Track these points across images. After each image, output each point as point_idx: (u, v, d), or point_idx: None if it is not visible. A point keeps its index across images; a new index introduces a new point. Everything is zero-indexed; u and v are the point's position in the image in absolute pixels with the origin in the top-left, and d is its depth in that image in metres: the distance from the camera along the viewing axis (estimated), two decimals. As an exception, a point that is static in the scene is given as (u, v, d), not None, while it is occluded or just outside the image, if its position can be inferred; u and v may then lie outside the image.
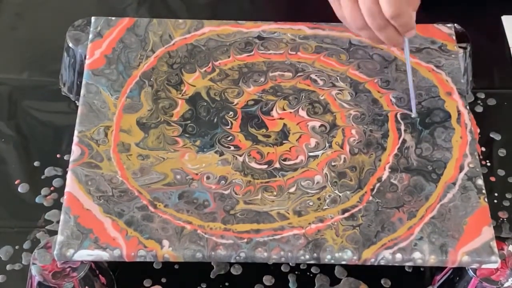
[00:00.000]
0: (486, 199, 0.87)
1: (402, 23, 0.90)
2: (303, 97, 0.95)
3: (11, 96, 1.04)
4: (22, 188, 0.96)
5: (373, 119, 0.93)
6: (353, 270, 0.89)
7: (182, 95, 0.95)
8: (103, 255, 0.82)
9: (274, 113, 0.94)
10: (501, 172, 0.98)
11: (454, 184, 0.88)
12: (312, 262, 0.83)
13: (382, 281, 0.90)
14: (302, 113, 0.94)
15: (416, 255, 0.83)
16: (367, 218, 0.85)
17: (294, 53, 0.99)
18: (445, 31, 1.01)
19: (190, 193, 0.87)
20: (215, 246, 0.83)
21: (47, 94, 1.04)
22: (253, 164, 0.89)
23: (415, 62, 0.98)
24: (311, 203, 0.86)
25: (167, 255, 0.82)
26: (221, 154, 0.90)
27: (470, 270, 0.84)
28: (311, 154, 0.90)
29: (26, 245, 0.91)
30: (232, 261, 0.83)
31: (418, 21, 1.02)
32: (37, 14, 1.14)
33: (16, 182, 0.96)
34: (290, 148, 0.91)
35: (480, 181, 0.88)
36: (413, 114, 0.92)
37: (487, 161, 0.99)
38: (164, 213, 0.85)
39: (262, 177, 0.88)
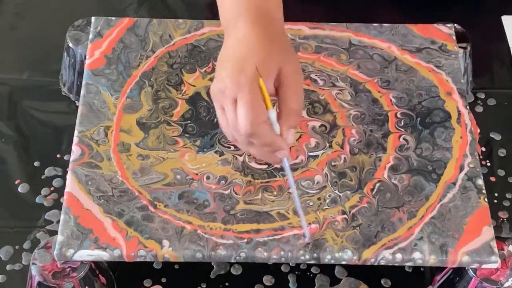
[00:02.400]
0: (486, 199, 0.87)
1: (261, 143, 0.78)
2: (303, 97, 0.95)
3: (11, 96, 1.04)
4: (22, 188, 0.96)
5: (373, 119, 0.93)
6: (353, 270, 0.89)
7: (182, 95, 0.95)
8: (103, 255, 0.82)
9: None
10: (501, 172, 0.98)
11: (454, 184, 0.88)
12: (312, 262, 0.83)
13: (382, 281, 0.90)
14: (302, 113, 0.93)
15: (416, 255, 0.83)
16: (367, 218, 0.85)
17: (294, 53, 0.99)
18: (445, 31, 1.01)
19: (190, 193, 0.87)
20: (215, 246, 0.83)
21: (47, 94, 1.04)
22: (253, 164, 0.89)
23: (415, 62, 0.98)
24: (311, 203, 0.86)
25: (167, 255, 0.82)
26: (221, 154, 0.90)
27: (470, 270, 0.84)
28: (311, 154, 0.90)
29: (26, 245, 0.91)
30: (232, 261, 0.83)
31: (418, 21, 1.03)
32: (37, 14, 1.14)
33: (16, 182, 0.96)
34: (290, 148, 0.90)
35: (480, 181, 0.88)
36: (306, 239, 0.83)
37: (487, 161, 0.99)
38: (164, 213, 0.85)
39: (262, 177, 0.88)
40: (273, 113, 0.78)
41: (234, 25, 0.81)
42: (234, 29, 0.81)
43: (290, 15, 1.12)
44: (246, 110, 0.75)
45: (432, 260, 0.83)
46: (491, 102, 1.05)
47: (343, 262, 0.83)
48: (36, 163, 0.98)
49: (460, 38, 1.01)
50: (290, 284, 0.89)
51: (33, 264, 0.84)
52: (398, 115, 0.94)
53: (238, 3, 0.81)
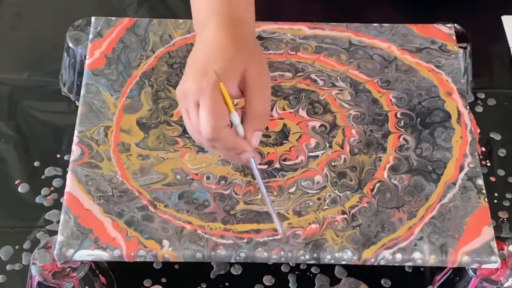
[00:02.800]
0: (486, 199, 0.87)
1: (223, 147, 0.79)
2: (303, 97, 0.95)
3: (11, 96, 1.04)
4: (22, 188, 0.96)
5: (373, 119, 0.93)
6: (353, 270, 0.89)
7: (182, 95, 0.95)
8: (103, 255, 0.82)
9: (274, 113, 0.94)
10: (501, 172, 0.98)
11: (454, 184, 0.88)
12: (312, 262, 0.83)
13: (382, 281, 0.90)
14: (302, 113, 0.94)
15: (416, 255, 0.83)
16: (367, 218, 0.85)
17: (294, 53, 0.99)
18: (445, 31, 1.01)
19: (190, 193, 0.87)
20: (215, 246, 0.83)
21: (47, 94, 1.04)
22: (253, 164, 0.89)
23: (415, 62, 0.98)
24: (311, 203, 0.86)
25: (167, 255, 0.82)
26: (221, 154, 0.90)
27: (470, 270, 0.84)
28: (311, 154, 0.90)
29: (26, 245, 0.91)
30: (232, 261, 0.83)
31: (418, 21, 1.03)
32: (37, 14, 1.14)
33: (16, 182, 0.96)
34: (290, 148, 0.91)
35: (480, 181, 0.88)
36: (280, 235, 0.83)
37: (487, 161, 0.99)
38: (164, 213, 0.85)
39: (262, 177, 0.88)
40: (235, 116, 0.78)
41: (203, 27, 0.82)
42: (203, 31, 0.81)
43: (290, 15, 1.13)
44: (207, 115, 0.76)
45: (432, 260, 0.83)
46: (491, 102, 1.05)
47: (343, 262, 0.83)
48: (36, 163, 0.98)
49: (460, 38, 1.01)
50: (290, 284, 0.89)
51: (33, 264, 0.84)
52: (398, 115, 0.94)
53: (209, 4, 0.82)
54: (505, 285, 0.84)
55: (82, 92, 0.94)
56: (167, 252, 0.82)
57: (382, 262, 0.83)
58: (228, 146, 0.78)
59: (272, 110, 0.94)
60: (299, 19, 1.03)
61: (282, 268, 0.90)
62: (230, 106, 0.77)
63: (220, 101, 0.76)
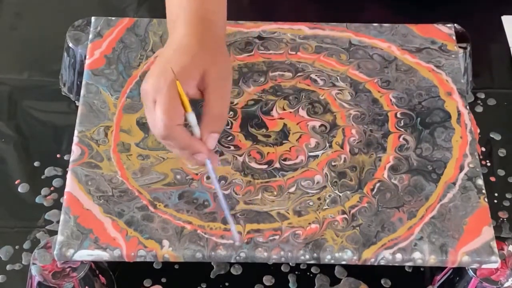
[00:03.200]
0: (486, 199, 0.87)
1: (176, 146, 0.79)
2: (303, 97, 0.95)
3: (11, 96, 1.04)
4: (22, 188, 0.96)
5: (373, 119, 0.93)
6: (353, 270, 0.89)
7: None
8: (103, 255, 0.82)
9: (274, 113, 0.94)
10: (501, 172, 0.98)
11: (454, 184, 0.88)
12: (312, 262, 0.83)
13: (382, 281, 0.89)
14: (302, 113, 0.94)
15: (416, 255, 0.83)
16: (367, 218, 0.85)
17: (294, 53, 0.99)
18: (445, 31, 1.01)
19: (190, 193, 0.87)
20: (215, 246, 0.83)
21: (47, 94, 1.04)
22: (253, 164, 0.89)
23: (415, 62, 0.98)
24: (311, 203, 0.86)
25: (167, 255, 0.82)
26: (221, 154, 0.90)
27: (470, 270, 0.84)
28: (311, 154, 0.90)
29: (26, 245, 0.91)
30: (232, 261, 0.83)
31: (418, 21, 1.03)
32: (37, 14, 1.14)
33: (16, 182, 0.96)
34: (290, 148, 0.91)
35: (480, 181, 0.88)
36: (237, 242, 0.83)
37: (487, 161, 0.99)
38: (164, 213, 0.85)
39: (262, 177, 0.88)
40: (192, 116, 0.78)
41: (173, 26, 0.83)
42: (173, 30, 0.83)
43: (290, 15, 1.13)
44: (160, 114, 0.76)
45: (432, 260, 0.83)
46: (491, 102, 1.05)
47: (343, 262, 0.83)
48: (36, 163, 0.98)
49: (460, 38, 1.01)
50: (290, 284, 0.89)
51: (33, 264, 0.84)
52: (398, 115, 0.94)
53: (179, 5, 0.83)
54: (505, 285, 0.84)
55: (82, 92, 0.94)
56: (167, 252, 0.82)
57: (382, 262, 0.83)
58: (181, 146, 0.78)
59: (272, 110, 0.94)
60: (299, 19, 1.03)
61: (282, 268, 0.90)
62: (187, 106, 0.77)
63: (175, 100, 0.77)
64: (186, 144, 0.78)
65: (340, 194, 0.87)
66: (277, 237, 0.84)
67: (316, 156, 0.90)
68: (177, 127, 0.77)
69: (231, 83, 0.81)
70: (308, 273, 0.90)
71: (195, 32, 0.81)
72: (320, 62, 0.98)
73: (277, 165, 0.89)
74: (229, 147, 0.90)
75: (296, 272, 0.90)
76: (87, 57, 0.97)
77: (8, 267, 0.90)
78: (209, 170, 0.81)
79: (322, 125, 0.93)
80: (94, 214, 0.84)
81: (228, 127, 0.92)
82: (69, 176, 0.87)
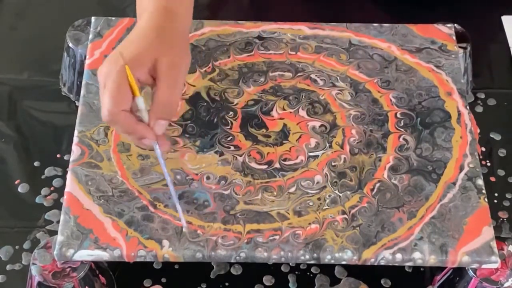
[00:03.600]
0: (486, 199, 0.87)
1: (122, 131, 0.80)
2: (303, 97, 0.95)
3: (11, 96, 1.04)
4: (22, 188, 0.96)
5: (373, 119, 0.93)
6: (353, 270, 0.89)
7: (182, 95, 0.95)
8: (103, 255, 0.82)
9: (274, 113, 0.94)
10: (501, 172, 0.98)
11: (454, 184, 0.88)
12: (312, 262, 0.83)
13: (382, 281, 0.90)
14: (302, 113, 0.94)
15: (416, 255, 0.83)
16: (367, 218, 0.85)
17: (294, 53, 0.99)
18: (445, 31, 1.01)
19: (190, 193, 0.87)
20: (215, 246, 0.83)
21: (47, 94, 1.04)
22: (253, 164, 0.89)
23: (415, 62, 0.98)
24: (311, 203, 0.86)
25: (167, 255, 0.82)
26: (221, 154, 0.90)
27: (470, 270, 0.84)
28: (311, 154, 0.90)
29: (26, 245, 0.91)
30: (232, 261, 0.83)
31: (418, 21, 1.03)
32: (37, 14, 1.14)
33: (16, 182, 0.96)
34: (290, 148, 0.91)
35: (480, 181, 0.88)
36: (184, 228, 0.83)
37: (487, 161, 0.99)
38: (164, 213, 0.85)
39: (262, 177, 0.88)
40: (140, 101, 0.79)
41: (139, 17, 0.86)
42: (139, 19, 0.86)
43: (290, 15, 1.13)
44: (106, 98, 0.78)
45: (432, 260, 0.83)
46: (491, 102, 1.05)
47: (343, 262, 0.83)
48: (36, 163, 0.98)
49: (460, 38, 1.01)
50: (290, 284, 0.89)
51: (33, 264, 0.84)
52: (398, 115, 0.94)
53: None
54: (505, 285, 0.84)
55: (82, 92, 0.94)
56: (167, 252, 0.82)
57: (382, 262, 0.83)
58: (126, 130, 0.80)
59: (272, 110, 0.94)
60: (299, 19, 1.03)
61: (282, 268, 0.90)
62: (135, 90, 0.79)
63: (122, 86, 0.78)
64: (131, 129, 0.79)
65: (340, 194, 0.87)
66: (277, 237, 0.84)
67: (316, 156, 0.90)
68: (121, 113, 0.78)
69: (184, 75, 0.82)
70: (308, 273, 0.90)
71: (156, 23, 0.83)
72: (320, 62, 0.98)
73: (277, 165, 0.89)
74: (229, 147, 0.90)
75: (296, 272, 0.90)
76: (87, 57, 0.97)
77: (8, 267, 0.90)
78: (157, 154, 0.82)
79: (322, 125, 0.93)
80: (94, 214, 0.84)
81: (228, 127, 0.92)
82: (69, 176, 0.87)
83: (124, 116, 0.78)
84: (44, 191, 0.95)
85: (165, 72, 0.80)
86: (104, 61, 0.80)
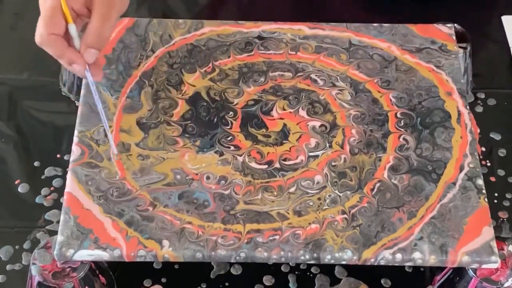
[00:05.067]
0: (486, 199, 0.87)
1: (53, 54, 0.85)
2: (303, 97, 0.95)
3: (11, 96, 1.04)
4: (22, 188, 0.96)
5: (373, 119, 0.93)
6: (353, 270, 0.89)
7: (182, 95, 0.95)
8: (103, 255, 0.82)
9: (274, 113, 0.94)
10: (501, 172, 0.98)
11: (454, 184, 0.88)
12: (312, 262, 0.83)
13: (382, 281, 0.90)
14: (302, 113, 0.94)
15: (416, 255, 0.83)
16: (367, 218, 0.85)
17: (294, 53, 0.99)
18: (445, 31, 1.01)
19: (190, 193, 0.87)
20: (215, 246, 0.83)
21: (47, 94, 1.04)
22: (253, 164, 0.89)
23: (415, 62, 0.98)
24: (311, 203, 0.86)
25: (167, 255, 0.82)
26: (221, 154, 0.90)
27: (470, 270, 0.84)
28: (311, 154, 0.90)
29: (26, 245, 0.91)
30: (232, 261, 0.83)
31: (419, 21, 1.03)
32: (37, 14, 1.13)
33: (16, 182, 0.96)
34: (290, 148, 0.91)
35: (480, 181, 0.88)
36: (114, 151, 0.89)
37: (487, 161, 0.99)
38: (164, 213, 0.85)
39: (262, 177, 0.88)
40: (72, 28, 0.84)
41: None
42: None
43: (290, 15, 1.13)
44: (40, 22, 0.83)
45: (432, 260, 0.83)
46: (491, 102, 1.05)
47: (343, 262, 0.83)
48: (36, 163, 0.98)
49: (460, 38, 1.01)
50: (290, 284, 0.89)
51: (33, 264, 0.84)
52: (398, 115, 0.94)
53: None
54: (505, 285, 0.84)
55: (82, 92, 0.94)
56: (167, 252, 0.82)
57: (382, 262, 0.83)
58: (56, 54, 0.84)
59: (272, 110, 0.94)
60: (299, 19, 1.03)
61: (282, 268, 0.90)
62: (67, 17, 0.84)
63: (55, 11, 0.83)
64: (61, 53, 0.84)
65: (340, 194, 0.87)
66: (277, 237, 0.84)
67: (316, 156, 0.90)
68: (52, 36, 0.83)
69: (118, 12, 0.87)
70: (308, 273, 0.90)
71: None
72: (320, 62, 0.98)
73: (277, 165, 0.89)
74: (229, 147, 0.90)
75: (296, 272, 0.90)
76: (87, 57, 0.97)
77: (8, 267, 0.90)
78: (89, 81, 0.87)
79: (322, 125, 0.93)
80: (94, 214, 0.84)
81: (228, 127, 0.92)
82: (69, 176, 0.87)
83: (55, 40, 0.83)
84: (44, 191, 0.95)
85: (99, 5, 0.84)
86: None
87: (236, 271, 0.90)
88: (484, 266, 0.83)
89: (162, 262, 0.89)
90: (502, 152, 1.00)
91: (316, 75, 0.97)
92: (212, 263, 0.90)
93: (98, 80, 0.88)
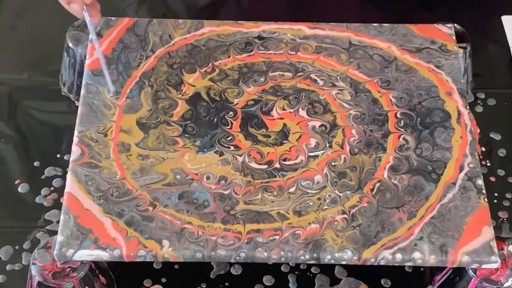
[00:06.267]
0: (486, 199, 0.87)
1: None
2: (303, 97, 0.95)
3: (11, 96, 1.04)
4: (22, 188, 0.96)
5: (373, 119, 0.93)
6: (353, 270, 0.89)
7: (182, 95, 0.95)
8: (103, 255, 0.82)
9: (274, 113, 0.94)
10: (501, 172, 0.98)
11: (454, 184, 0.88)
12: (312, 262, 0.83)
13: (382, 281, 0.90)
14: (302, 113, 0.94)
15: (416, 255, 0.83)
16: (367, 218, 0.85)
17: (294, 53, 0.99)
18: (445, 31, 1.01)
19: (190, 193, 0.87)
20: (215, 246, 0.83)
21: (47, 94, 1.04)
22: (253, 164, 0.89)
23: (415, 62, 0.98)
24: (311, 203, 0.86)
25: (167, 255, 0.82)
26: (221, 154, 0.90)
27: (470, 270, 0.84)
28: (311, 154, 0.90)
29: (26, 245, 0.91)
30: (232, 261, 0.83)
31: (418, 21, 1.03)
32: (37, 14, 1.14)
33: (16, 182, 0.96)
34: (290, 148, 0.91)
35: (480, 181, 0.88)
36: (110, 93, 0.94)
37: (487, 161, 0.99)
38: (164, 213, 0.85)
39: (262, 177, 0.88)
40: None
41: None
42: None
43: (290, 15, 1.13)
44: None
45: (432, 260, 0.83)
46: (491, 102, 1.05)
47: (343, 262, 0.83)
48: (36, 163, 0.98)
49: (460, 38, 1.01)
50: (290, 284, 0.89)
51: (33, 264, 0.84)
52: (398, 115, 0.94)
53: None
54: (505, 285, 0.84)
55: (82, 92, 0.94)
56: (167, 252, 0.82)
57: (382, 262, 0.83)
58: None
59: (272, 110, 0.94)
60: (299, 19, 1.03)
61: (282, 268, 0.90)
62: None
63: None
64: None
65: (340, 194, 0.87)
66: (277, 237, 0.84)
67: (316, 156, 0.90)
68: None
69: None
70: (308, 273, 0.90)
71: None
72: (320, 62, 0.98)
73: (277, 165, 0.89)
74: (229, 147, 0.90)
75: (296, 272, 0.90)
76: (87, 57, 0.97)
77: (8, 267, 0.90)
78: (87, 22, 0.92)
79: (322, 125, 0.93)
80: (94, 214, 0.84)
81: (228, 127, 0.92)
82: (69, 176, 0.87)
83: None
84: (44, 191, 0.95)
85: None
86: None
87: (236, 271, 0.90)
88: (484, 266, 0.83)
89: (162, 262, 0.89)
90: (502, 152, 1.00)
91: (316, 75, 0.97)
92: (212, 263, 0.90)
93: (95, 21, 0.93)
